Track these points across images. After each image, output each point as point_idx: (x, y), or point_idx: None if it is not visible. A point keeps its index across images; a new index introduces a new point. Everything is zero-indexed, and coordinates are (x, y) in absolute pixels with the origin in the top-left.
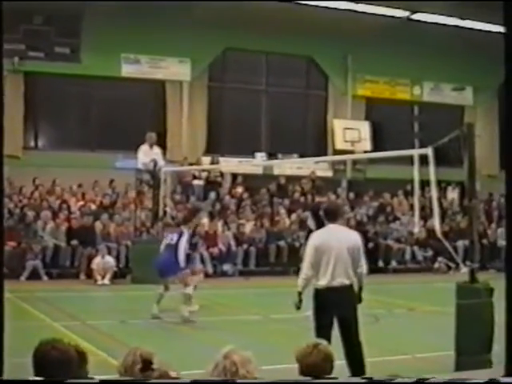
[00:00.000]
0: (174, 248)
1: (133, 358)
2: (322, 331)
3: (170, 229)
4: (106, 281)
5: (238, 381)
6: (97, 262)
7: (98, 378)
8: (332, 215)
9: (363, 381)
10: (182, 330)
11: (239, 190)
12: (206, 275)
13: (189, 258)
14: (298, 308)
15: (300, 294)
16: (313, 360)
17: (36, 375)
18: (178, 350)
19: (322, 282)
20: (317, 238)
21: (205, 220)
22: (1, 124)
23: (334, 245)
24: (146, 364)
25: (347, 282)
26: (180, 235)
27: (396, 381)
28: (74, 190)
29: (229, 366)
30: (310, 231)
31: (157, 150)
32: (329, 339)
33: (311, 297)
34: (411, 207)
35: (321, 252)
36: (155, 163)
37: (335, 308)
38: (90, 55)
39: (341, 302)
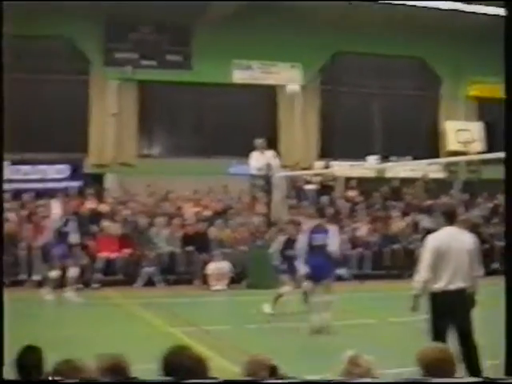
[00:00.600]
0: (323, 249)
1: (256, 364)
2: (439, 334)
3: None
4: (221, 286)
5: (263, 381)
6: (212, 268)
7: None
8: (450, 217)
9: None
10: (296, 335)
11: (352, 193)
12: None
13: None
14: (415, 311)
15: (417, 296)
16: (439, 365)
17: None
18: (295, 355)
19: (440, 285)
20: (435, 240)
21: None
22: (1, 124)
23: (453, 247)
24: (273, 371)
25: (464, 285)
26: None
27: (396, 381)
28: (188, 197)
29: (356, 371)
30: (428, 233)
31: (269, 154)
32: (445, 342)
33: (427, 300)
34: None
35: (440, 254)
36: (269, 167)
37: (452, 311)
38: (202, 62)
39: (458, 305)
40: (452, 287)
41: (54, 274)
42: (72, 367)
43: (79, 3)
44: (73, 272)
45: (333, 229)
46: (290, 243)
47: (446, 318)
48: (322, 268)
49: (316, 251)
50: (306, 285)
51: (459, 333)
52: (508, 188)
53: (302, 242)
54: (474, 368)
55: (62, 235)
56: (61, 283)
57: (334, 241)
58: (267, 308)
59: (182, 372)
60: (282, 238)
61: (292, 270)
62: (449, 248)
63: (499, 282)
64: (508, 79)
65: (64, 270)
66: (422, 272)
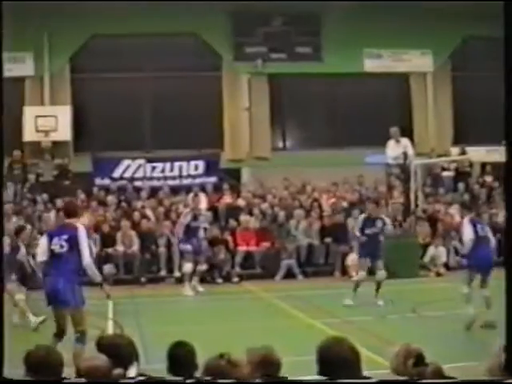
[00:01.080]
0: (488, 241)
1: (404, 353)
2: None
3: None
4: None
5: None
6: (351, 259)
7: None
8: None
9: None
10: (442, 325)
11: (489, 179)
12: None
13: None
14: None
15: None
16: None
17: (321, 373)
18: (443, 345)
19: None
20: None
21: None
22: (1, 124)
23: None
24: (419, 359)
25: None
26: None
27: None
28: (324, 188)
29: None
30: None
31: (405, 142)
32: None
33: None
34: None
35: None
36: (405, 156)
37: None
38: (332, 53)
39: None
40: None
41: (187, 268)
42: (226, 362)
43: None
44: (200, 267)
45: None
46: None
47: None
48: (490, 259)
49: (482, 242)
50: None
51: None
52: (508, 189)
53: (468, 233)
54: None
55: (192, 230)
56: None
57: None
58: (348, 301)
59: (340, 363)
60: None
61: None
62: None
63: None
64: (507, 77)
65: (196, 264)
66: None
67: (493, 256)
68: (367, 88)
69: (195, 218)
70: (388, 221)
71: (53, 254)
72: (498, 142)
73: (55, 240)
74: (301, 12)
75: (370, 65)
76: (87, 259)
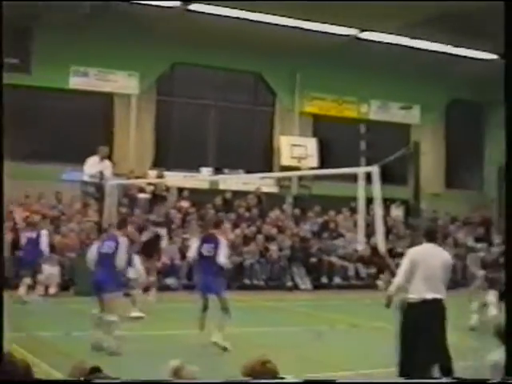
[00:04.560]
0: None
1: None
2: (409, 342)
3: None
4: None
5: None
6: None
7: None
8: (431, 236)
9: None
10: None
11: (185, 204)
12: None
13: None
14: (388, 307)
15: (390, 297)
16: (264, 377)
17: None
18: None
19: (416, 295)
20: (415, 253)
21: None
22: (1, 125)
23: (430, 261)
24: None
25: (439, 296)
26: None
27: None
28: (19, 201)
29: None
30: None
31: (107, 163)
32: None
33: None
34: (356, 224)
35: (417, 265)
36: (102, 175)
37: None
38: (40, 67)
39: (433, 315)
40: (428, 297)
41: None
42: None
43: None
44: None
45: (222, 240)
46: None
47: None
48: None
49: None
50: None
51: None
52: (508, 193)
53: (193, 251)
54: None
55: None
56: None
57: (223, 251)
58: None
59: None
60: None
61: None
62: (425, 261)
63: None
64: (507, 85)
65: None
66: (399, 278)
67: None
68: (72, 105)
69: None
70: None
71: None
72: (196, 169)
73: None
74: (11, 23)
75: (76, 82)
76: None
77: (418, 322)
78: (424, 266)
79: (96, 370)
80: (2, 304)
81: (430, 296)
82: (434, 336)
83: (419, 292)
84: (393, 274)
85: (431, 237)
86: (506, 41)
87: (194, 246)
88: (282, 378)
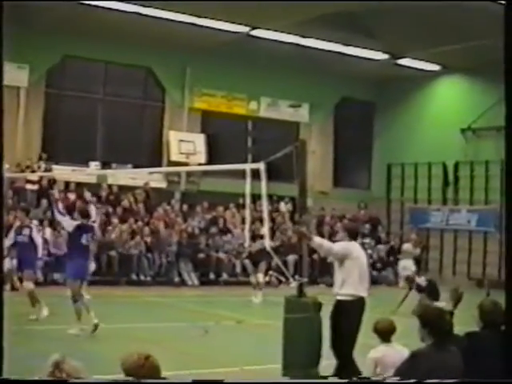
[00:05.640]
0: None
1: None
2: (349, 339)
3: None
4: None
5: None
6: None
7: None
8: (355, 234)
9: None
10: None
11: (72, 197)
12: (37, 283)
13: None
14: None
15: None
16: (145, 372)
17: None
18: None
19: (352, 291)
20: (348, 246)
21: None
22: (1, 124)
23: (362, 259)
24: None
25: (366, 295)
26: None
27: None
28: None
29: (59, 374)
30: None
31: None
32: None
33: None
34: (243, 220)
35: (352, 260)
36: None
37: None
38: None
39: (362, 312)
40: (363, 294)
41: None
42: None
43: None
44: None
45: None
46: None
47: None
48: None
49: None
50: None
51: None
52: (508, 190)
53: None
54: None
55: None
56: None
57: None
58: None
59: None
60: None
61: None
62: (358, 256)
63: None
64: (507, 86)
65: None
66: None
67: None
68: None
69: None
70: None
71: None
72: (84, 163)
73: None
74: None
75: None
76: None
77: (350, 317)
78: (359, 263)
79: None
80: (2, 304)
81: (363, 294)
82: (354, 332)
83: (356, 289)
84: (281, 270)
85: (353, 235)
86: (505, 40)
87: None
88: (164, 379)
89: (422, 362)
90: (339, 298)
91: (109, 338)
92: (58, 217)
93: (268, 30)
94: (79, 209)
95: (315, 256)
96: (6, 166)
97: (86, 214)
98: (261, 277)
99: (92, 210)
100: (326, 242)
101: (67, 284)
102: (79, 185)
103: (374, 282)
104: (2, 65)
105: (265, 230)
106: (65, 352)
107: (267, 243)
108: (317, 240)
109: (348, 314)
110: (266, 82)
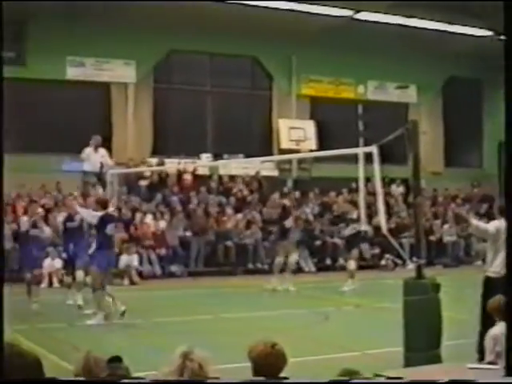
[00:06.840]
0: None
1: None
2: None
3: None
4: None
5: (235, 381)
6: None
7: None
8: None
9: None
10: (132, 332)
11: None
12: (155, 276)
13: None
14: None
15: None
16: (271, 361)
17: None
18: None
19: (499, 269)
20: (499, 226)
21: (149, 220)
22: (1, 124)
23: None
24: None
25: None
26: None
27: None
28: (25, 194)
29: (190, 365)
30: None
31: (102, 151)
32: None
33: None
34: (356, 205)
35: (500, 239)
36: (102, 165)
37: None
38: (36, 59)
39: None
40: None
41: None
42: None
43: None
44: None
45: None
46: None
47: None
48: None
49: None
50: None
51: None
52: (508, 189)
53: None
54: None
55: None
56: None
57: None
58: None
59: None
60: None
61: None
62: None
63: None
64: (508, 79)
65: None
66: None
67: None
68: (70, 95)
69: None
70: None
71: None
72: (195, 155)
73: None
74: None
75: (73, 72)
76: None
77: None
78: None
79: (116, 359)
80: (1, 304)
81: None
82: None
83: (501, 268)
84: (397, 253)
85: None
86: (505, 41)
87: None
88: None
89: None
90: (488, 274)
91: (231, 328)
92: (79, 210)
93: (372, 12)
94: (99, 200)
95: (431, 237)
96: (111, 162)
97: (105, 205)
98: (352, 264)
99: None
100: (481, 224)
101: (90, 273)
102: (196, 177)
103: None
104: (2, 65)
105: (380, 213)
106: (191, 343)
107: (383, 226)
108: (474, 222)
109: (496, 290)
110: (372, 65)
